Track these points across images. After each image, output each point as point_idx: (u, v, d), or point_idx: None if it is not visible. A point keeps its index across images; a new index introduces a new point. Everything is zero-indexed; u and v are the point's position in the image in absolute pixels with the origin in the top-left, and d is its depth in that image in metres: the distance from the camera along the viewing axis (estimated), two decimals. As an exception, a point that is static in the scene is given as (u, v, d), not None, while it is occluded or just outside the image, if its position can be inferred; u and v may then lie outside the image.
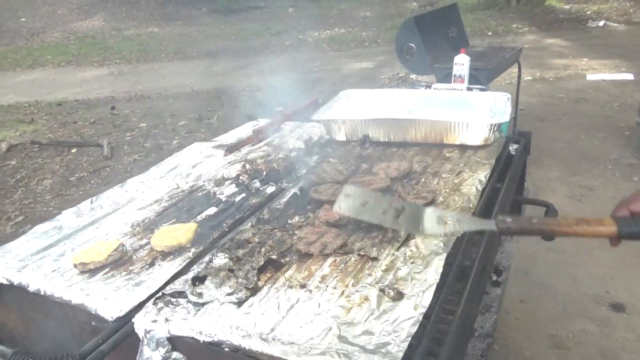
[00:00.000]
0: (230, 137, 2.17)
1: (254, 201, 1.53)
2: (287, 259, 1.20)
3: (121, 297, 1.11)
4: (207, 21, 15.54)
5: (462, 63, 3.98)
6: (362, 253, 1.18)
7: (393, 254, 1.17)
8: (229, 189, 1.64)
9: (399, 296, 1.01)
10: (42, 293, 1.18)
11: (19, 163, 5.47)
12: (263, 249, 1.23)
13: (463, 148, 1.80)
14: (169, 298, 1.08)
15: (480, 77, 4.09)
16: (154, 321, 1.01)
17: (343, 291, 1.06)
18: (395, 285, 1.05)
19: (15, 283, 1.23)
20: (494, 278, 1.80)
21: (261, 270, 1.16)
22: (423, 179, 1.56)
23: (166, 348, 1.00)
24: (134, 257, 1.29)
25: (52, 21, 15.63)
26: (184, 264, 1.22)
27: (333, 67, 8.95)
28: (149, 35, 13.95)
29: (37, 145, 5.88)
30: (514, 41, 9.76)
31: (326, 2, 16.26)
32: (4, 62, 11.83)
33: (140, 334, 1.01)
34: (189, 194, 1.64)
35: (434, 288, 1.02)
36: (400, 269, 1.11)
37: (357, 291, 1.05)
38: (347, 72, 8.51)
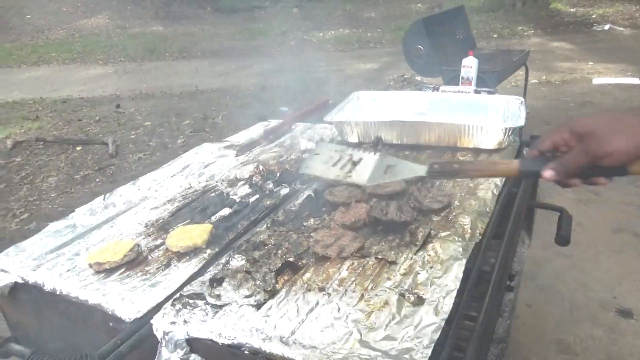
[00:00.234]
0: (240, 138, 2.17)
1: (268, 202, 1.52)
2: (303, 261, 1.20)
3: (138, 297, 1.10)
4: (211, 20, 15.54)
5: (470, 65, 3.98)
6: (379, 256, 1.18)
7: (411, 258, 1.17)
8: (243, 189, 1.64)
9: (420, 301, 1.00)
10: (57, 292, 1.17)
11: (24, 160, 5.48)
12: (279, 251, 1.22)
13: (477, 151, 1.80)
14: (187, 299, 1.07)
15: (488, 80, 4.09)
16: (173, 323, 1.01)
17: (362, 295, 1.05)
18: (415, 290, 1.04)
19: (30, 282, 1.22)
20: (507, 283, 1.79)
21: (278, 272, 1.15)
22: (438, 182, 1.56)
23: (184, 350, 0.99)
24: (150, 257, 1.28)
25: (57, 18, 15.65)
26: (200, 265, 1.21)
27: (337, 67, 8.94)
28: (153, 34, 13.95)
29: (42, 143, 5.89)
30: (520, 44, 9.75)
31: (330, 3, 16.25)
32: (9, 58, 11.85)
33: (159, 335, 1.00)
34: (202, 194, 1.63)
35: (454, 294, 1.01)
36: (419, 274, 1.10)
37: (376, 295, 1.04)
38: (352, 73, 8.50)
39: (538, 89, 6.92)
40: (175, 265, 1.23)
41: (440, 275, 1.08)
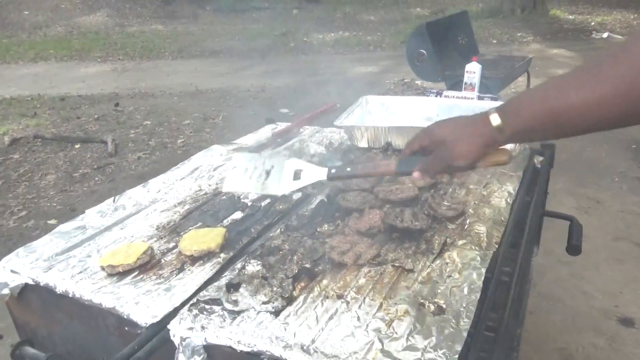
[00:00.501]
0: (249, 140, 2.15)
1: (280, 207, 1.51)
2: (320, 267, 1.19)
3: (153, 302, 1.09)
4: (210, 20, 15.52)
5: (473, 71, 3.99)
6: (396, 264, 1.17)
7: (428, 266, 1.16)
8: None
9: (440, 311, 1.00)
10: (70, 295, 1.16)
11: (22, 157, 5.43)
12: (295, 257, 1.21)
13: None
14: (204, 305, 1.06)
15: (491, 86, 4.10)
16: (190, 328, 1.00)
17: (381, 304, 1.04)
18: (435, 300, 1.03)
19: (41, 284, 1.21)
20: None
21: (295, 278, 1.14)
22: (450, 189, 1.55)
23: (202, 356, 0.98)
24: (163, 260, 1.27)
25: (55, 15, 15.57)
26: (214, 269, 1.20)
27: (338, 70, 8.94)
28: (152, 33, 13.91)
29: (40, 140, 5.84)
30: (519, 50, 9.78)
31: (331, 5, 16.28)
32: (6, 54, 11.76)
33: (176, 341, 0.99)
34: (213, 196, 1.62)
35: (475, 303, 1.00)
36: (437, 282, 1.09)
37: (395, 304, 1.03)
38: (353, 76, 8.50)
39: (538, 96, 6.93)
40: (189, 269, 1.22)
41: (460, 285, 1.07)
